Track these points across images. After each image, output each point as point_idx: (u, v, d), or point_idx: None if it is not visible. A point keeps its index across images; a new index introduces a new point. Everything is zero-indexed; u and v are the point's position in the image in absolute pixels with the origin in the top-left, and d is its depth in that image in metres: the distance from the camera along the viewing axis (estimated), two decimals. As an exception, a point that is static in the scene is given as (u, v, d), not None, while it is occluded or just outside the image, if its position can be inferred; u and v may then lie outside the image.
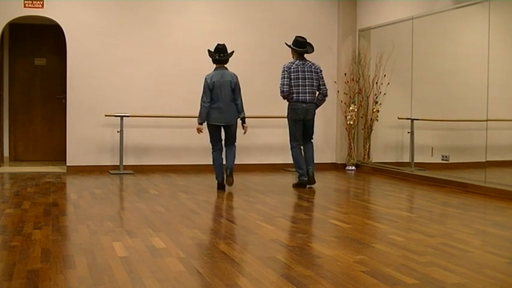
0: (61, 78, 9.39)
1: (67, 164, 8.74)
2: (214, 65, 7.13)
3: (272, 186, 7.53)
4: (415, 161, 8.53)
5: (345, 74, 9.55)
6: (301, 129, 7.25)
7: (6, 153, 9.78)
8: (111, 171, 8.65)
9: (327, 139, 9.77)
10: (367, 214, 5.79)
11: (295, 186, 7.40)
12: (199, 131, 7.05)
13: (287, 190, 7.25)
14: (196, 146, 9.17)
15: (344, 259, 3.83)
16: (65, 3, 8.71)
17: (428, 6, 8.15)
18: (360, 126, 9.54)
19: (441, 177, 7.72)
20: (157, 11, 9.04)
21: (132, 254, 3.90)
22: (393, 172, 8.73)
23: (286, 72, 7.11)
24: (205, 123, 7.06)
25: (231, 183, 7.08)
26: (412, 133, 8.52)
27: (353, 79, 9.53)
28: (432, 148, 8.29)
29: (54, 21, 8.69)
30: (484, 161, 7.14)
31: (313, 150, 7.39)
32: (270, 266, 3.66)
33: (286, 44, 7.38)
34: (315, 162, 7.40)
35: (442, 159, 8.03)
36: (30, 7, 8.54)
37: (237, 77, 7.09)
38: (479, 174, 7.14)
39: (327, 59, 9.71)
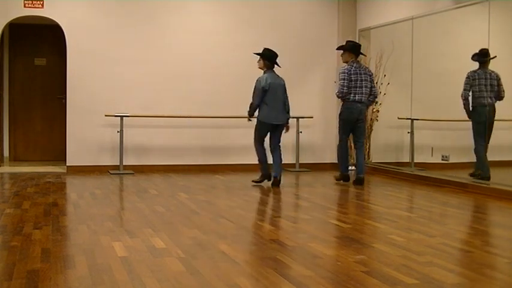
0: (61, 78, 9.39)
1: (67, 164, 8.74)
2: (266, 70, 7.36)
3: (270, 186, 7.51)
4: (415, 161, 8.53)
5: (345, 74, 9.54)
6: (350, 128, 7.64)
7: (6, 153, 9.77)
8: (111, 171, 8.65)
9: (327, 139, 9.76)
10: (367, 214, 5.79)
11: (339, 180, 7.78)
12: (249, 120, 7.58)
13: (287, 190, 7.25)
14: (196, 146, 9.18)
15: (344, 259, 3.83)
16: (65, 3, 8.71)
17: (428, 6, 8.15)
18: (360, 126, 9.53)
19: (441, 177, 7.72)
20: (157, 11, 9.03)
21: (132, 254, 3.90)
22: (393, 172, 8.73)
23: (346, 75, 7.49)
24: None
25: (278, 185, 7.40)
26: (412, 133, 8.52)
27: (353, 79, 9.52)
28: (432, 148, 8.29)
29: (54, 21, 8.69)
30: (484, 161, 7.15)
31: (363, 153, 7.84)
32: (270, 266, 3.66)
33: (341, 47, 7.79)
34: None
35: (442, 159, 8.03)
36: (30, 7, 8.54)
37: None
38: (480, 174, 7.14)
39: (327, 59, 9.71)
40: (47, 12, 8.62)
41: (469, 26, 7.89)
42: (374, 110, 9.27)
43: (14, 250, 3.97)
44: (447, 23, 8.03)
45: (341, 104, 7.67)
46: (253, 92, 7.34)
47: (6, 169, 8.90)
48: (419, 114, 8.43)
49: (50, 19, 8.68)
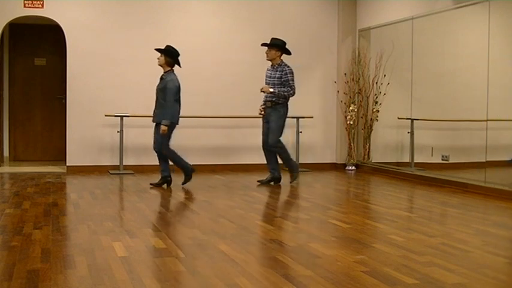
0: (61, 78, 9.39)
1: (67, 164, 8.74)
2: (167, 68, 7.13)
3: (272, 186, 7.52)
4: (415, 161, 8.53)
5: (345, 74, 9.55)
6: None
7: (6, 153, 9.78)
8: (111, 171, 8.65)
9: (327, 139, 9.76)
10: (367, 214, 5.79)
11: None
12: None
13: (287, 190, 7.25)
14: (196, 146, 9.17)
15: (344, 259, 3.83)
16: (65, 3, 8.71)
17: (428, 6, 8.15)
18: (360, 126, 9.54)
19: (441, 177, 7.72)
20: (157, 11, 9.03)
21: (132, 254, 3.90)
22: (393, 172, 8.73)
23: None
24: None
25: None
26: (412, 133, 8.52)
27: (353, 79, 9.53)
28: (432, 148, 8.29)
29: (54, 21, 8.69)
30: (484, 161, 7.14)
31: None
32: (270, 266, 3.66)
33: (266, 44, 7.61)
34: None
35: (442, 159, 8.03)
36: (30, 7, 8.54)
37: None
38: (479, 174, 7.13)
39: (326, 59, 9.70)
40: (47, 12, 8.62)
41: (469, 26, 7.88)
42: (374, 110, 9.27)
43: (14, 250, 3.97)
44: (447, 23, 8.02)
45: (281, 104, 7.35)
46: (167, 94, 6.93)
47: (6, 169, 8.90)
48: (419, 114, 8.43)
49: (50, 19, 8.68)
